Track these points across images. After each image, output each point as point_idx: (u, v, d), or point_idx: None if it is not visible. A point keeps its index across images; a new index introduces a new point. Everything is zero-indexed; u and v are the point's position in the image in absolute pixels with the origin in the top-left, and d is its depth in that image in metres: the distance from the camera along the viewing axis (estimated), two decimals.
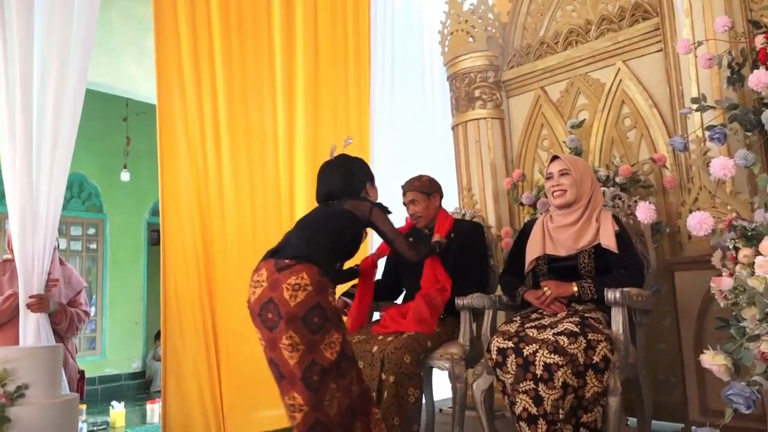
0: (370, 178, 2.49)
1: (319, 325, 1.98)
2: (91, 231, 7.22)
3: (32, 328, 2.63)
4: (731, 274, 1.66)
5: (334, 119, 3.97)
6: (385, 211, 2.36)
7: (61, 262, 3.12)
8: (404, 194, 2.83)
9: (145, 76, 4.69)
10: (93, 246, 7.23)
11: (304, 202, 3.75)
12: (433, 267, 2.64)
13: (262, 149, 3.65)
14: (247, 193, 3.55)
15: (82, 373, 3.12)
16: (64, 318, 2.87)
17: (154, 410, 5.27)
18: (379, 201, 2.45)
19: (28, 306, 2.62)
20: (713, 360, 1.46)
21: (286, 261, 2.02)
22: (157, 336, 7.59)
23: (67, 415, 2.19)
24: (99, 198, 7.25)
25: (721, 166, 1.66)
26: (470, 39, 3.85)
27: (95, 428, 5.07)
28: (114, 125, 6.88)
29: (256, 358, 3.37)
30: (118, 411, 5.09)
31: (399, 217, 2.86)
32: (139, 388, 7.43)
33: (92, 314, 7.05)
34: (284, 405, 2.01)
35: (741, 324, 1.58)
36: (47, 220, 2.68)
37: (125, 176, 6.73)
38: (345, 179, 2.37)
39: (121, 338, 7.29)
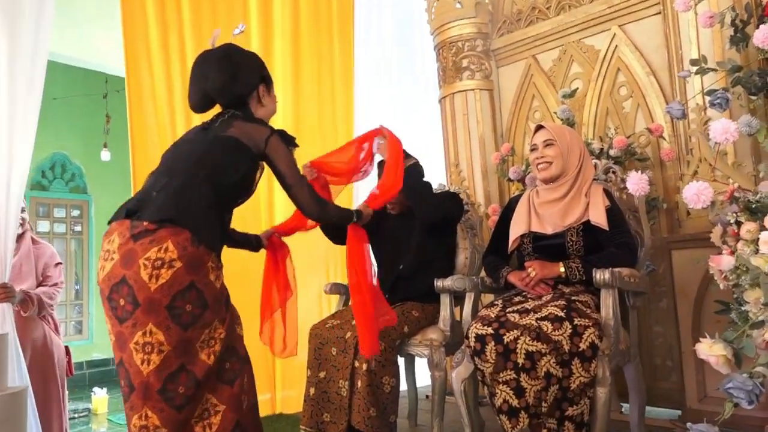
0: (265, 78, 1.85)
1: (194, 316, 1.45)
2: (75, 213, 7.03)
3: None
4: (732, 252, 1.47)
5: (319, 94, 3.76)
6: (289, 141, 1.77)
7: (35, 241, 3.07)
8: None
9: (117, 48, 4.48)
10: (78, 228, 7.04)
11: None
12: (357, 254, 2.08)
13: None
14: None
15: (66, 348, 3.02)
16: (31, 305, 2.80)
17: None
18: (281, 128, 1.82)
19: None
20: (711, 350, 1.28)
21: (145, 223, 1.47)
22: None
23: (13, 408, 2.03)
24: (83, 179, 7.04)
25: (723, 129, 1.47)
26: (458, 5, 3.62)
27: (76, 416, 4.93)
28: (96, 103, 6.65)
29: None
30: (100, 397, 4.96)
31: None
32: None
33: (78, 298, 6.92)
34: (129, 427, 1.48)
35: (743, 308, 1.40)
36: (8, 211, 2.52)
37: (105, 155, 6.51)
38: (226, 76, 1.73)
39: (105, 323, 7.14)
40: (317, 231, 3.44)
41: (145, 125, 3.14)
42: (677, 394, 2.64)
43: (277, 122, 3.56)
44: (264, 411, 3.32)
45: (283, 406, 3.44)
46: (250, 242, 2.16)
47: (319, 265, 3.63)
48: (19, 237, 2.93)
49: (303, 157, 3.64)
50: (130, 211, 1.54)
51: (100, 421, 4.78)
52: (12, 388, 2.13)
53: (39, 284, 2.94)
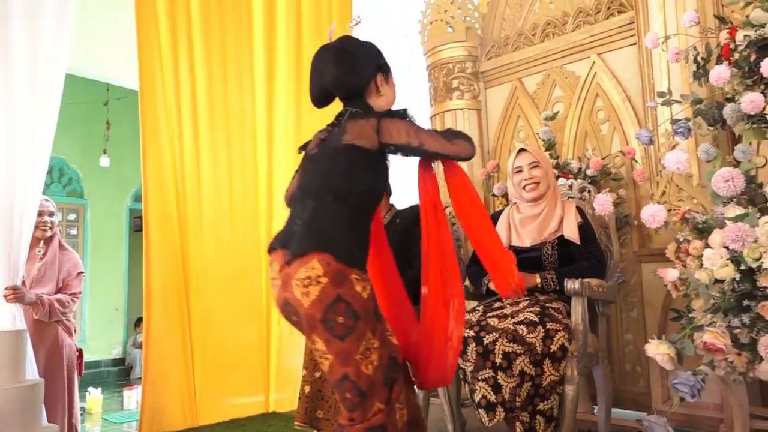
0: (382, 67, 1.78)
1: (347, 327, 1.50)
2: (72, 216, 7.17)
3: (7, 316, 2.62)
4: (684, 266, 1.69)
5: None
6: (401, 115, 1.68)
7: (63, 247, 3.23)
8: None
9: (125, 61, 4.65)
10: (73, 232, 7.17)
11: (283, 186, 3.72)
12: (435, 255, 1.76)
13: (242, 134, 3.64)
14: (225, 179, 3.54)
15: (80, 351, 3.18)
16: (41, 309, 2.97)
17: (131, 397, 5.27)
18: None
19: (4, 297, 2.64)
20: (657, 349, 1.49)
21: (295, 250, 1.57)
22: (138, 323, 7.58)
23: (30, 399, 2.19)
24: (80, 183, 7.19)
25: (676, 160, 1.69)
26: (449, 29, 3.85)
27: None
28: (96, 110, 6.81)
29: (227, 347, 3.41)
30: (94, 397, 5.09)
31: None
32: (119, 374, 7.42)
33: None
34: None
35: (690, 315, 1.61)
36: (23, 215, 2.64)
37: (105, 162, 6.67)
38: (342, 69, 1.71)
39: (102, 325, 7.26)
40: None
41: (157, 135, 3.28)
42: (644, 397, 2.86)
43: (279, 132, 3.78)
44: (258, 410, 3.50)
45: (276, 407, 3.60)
46: None
47: None
48: (48, 240, 3.10)
49: None
50: (282, 243, 1.63)
51: (94, 420, 4.91)
52: (29, 380, 2.29)
53: (58, 290, 3.09)
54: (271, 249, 1.66)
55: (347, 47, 1.75)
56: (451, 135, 1.69)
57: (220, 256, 3.46)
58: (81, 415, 5.13)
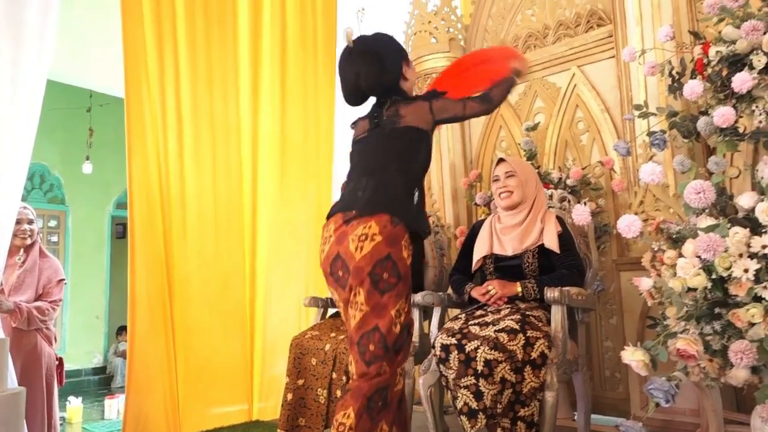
0: (403, 54, 2.00)
1: (389, 284, 1.66)
2: (53, 223, 7.10)
3: None
4: (659, 275, 1.74)
5: (304, 112, 3.98)
6: (440, 95, 1.93)
7: (44, 254, 3.22)
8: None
9: (108, 67, 4.64)
10: (54, 239, 7.11)
11: (268, 194, 3.76)
12: None
13: (227, 142, 3.65)
14: (209, 187, 3.54)
15: (60, 360, 3.16)
16: (19, 317, 2.95)
17: (112, 406, 5.23)
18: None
19: None
20: (632, 356, 1.54)
21: (354, 212, 1.75)
22: (120, 331, 7.51)
23: (11, 409, 2.18)
24: (61, 190, 7.14)
25: (650, 171, 1.74)
26: (433, 40, 3.90)
27: None
28: (77, 116, 6.77)
29: (211, 355, 3.40)
30: (75, 407, 5.04)
31: None
32: (100, 383, 7.34)
33: None
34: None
35: (665, 323, 1.66)
36: (1, 223, 2.63)
37: (87, 168, 6.63)
38: (375, 71, 1.90)
39: (82, 333, 7.19)
40: (299, 247, 3.67)
41: (142, 142, 3.27)
42: (624, 403, 2.91)
43: (265, 141, 3.79)
44: (241, 419, 3.50)
45: (259, 415, 3.60)
46: None
47: (297, 277, 3.82)
48: (28, 247, 3.09)
49: (289, 177, 3.87)
50: (341, 208, 1.81)
51: (74, 430, 4.86)
52: (11, 389, 2.28)
53: (38, 297, 3.07)
54: (330, 215, 1.84)
55: (374, 48, 1.92)
56: (484, 97, 1.97)
57: (205, 265, 3.46)
58: (61, 425, 5.08)
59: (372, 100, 2.03)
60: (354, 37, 1.94)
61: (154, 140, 3.31)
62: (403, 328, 1.69)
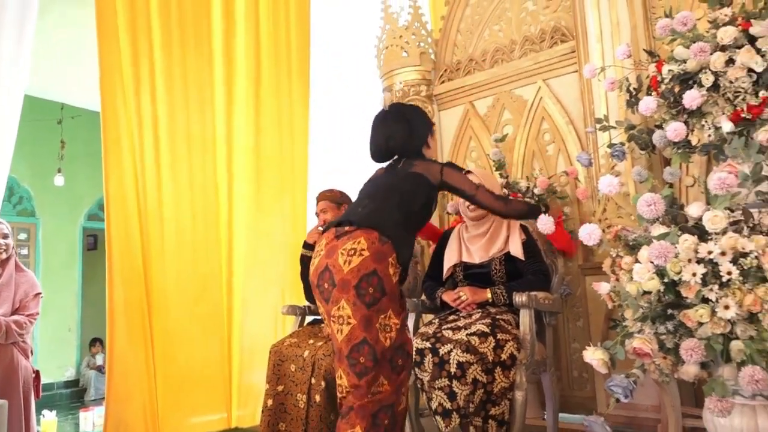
0: (430, 126, 2.27)
1: (374, 298, 1.76)
2: (23, 236, 7.02)
3: None
4: (618, 279, 1.86)
5: (278, 125, 4.07)
6: (459, 168, 2.21)
7: (20, 268, 3.25)
8: (317, 203, 2.96)
9: (79, 80, 4.66)
10: (24, 251, 7.02)
11: (244, 205, 3.84)
12: None
13: (202, 156, 3.71)
14: (186, 199, 3.60)
15: (37, 372, 3.16)
16: None
17: (87, 418, 5.18)
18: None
19: None
20: (593, 355, 1.66)
21: (346, 228, 1.87)
22: (93, 343, 7.43)
23: None
24: (31, 202, 7.05)
25: (608, 183, 1.87)
26: (404, 54, 4.01)
27: None
28: (48, 128, 6.72)
29: (189, 365, 3.45)
30: (49, 420, 4.97)
31: None
32: (72, 396, 7.24)
33: None
34: (336, 386, 1.87)
35: (624, 324, 1.79)
36: None
37: (59, 180, 6.58)
38: (406, 135, 2.14)
39: (54, 346, 7.09)
40: (275, 257, 3.75)
41: (119, 156, 3.31)
42: (591, 401, 3.04)
43: (240, 153, 3.87)
44: (220, 426, 3.54)
45: (238, 423, 3.65)
46: None
47: (273, 286, 3.89)
48: (4, 262, 3.10)
49: (264, 188, 3.95)
50: (338, 222, 1.95)
51: None
52: None
53: (14, 311, 3.08)
54: (325, 230, 1.97)
55: (408, 116, 2.20)
56: (506, 199, 2.29)
57: (182, 275, 3.51)
58: None
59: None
60: (389, 104, 2.23)
61: (130, 153, 3.35)
62: (392, 343, 1.77)
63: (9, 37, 2.82)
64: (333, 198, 2.93)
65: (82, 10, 4.27)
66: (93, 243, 8.06)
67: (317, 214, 2.96)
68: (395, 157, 2.19)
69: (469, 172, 2.25)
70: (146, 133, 3.44)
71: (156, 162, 3.46)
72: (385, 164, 2.25)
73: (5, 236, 3.19)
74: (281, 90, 4.10)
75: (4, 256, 3.17)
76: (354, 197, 2.77)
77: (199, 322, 3.55)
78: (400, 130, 2.13)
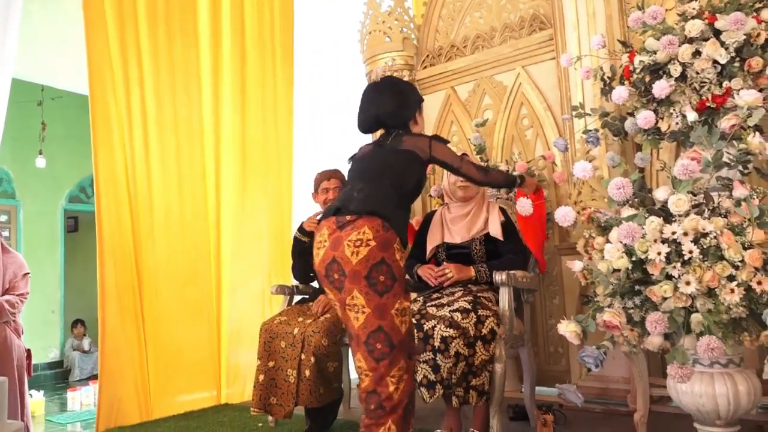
0: (420, 103, 2.29)
1: (386, 286, 1.80)
2: (3, 218, 6.99)
3: None
4: (590, 258, 2.00)
5: (263, 113, 4.13)
6: (444, 140, 2.22)
7: (6, 250, 3.31)
8: (328, 180, 2.99)
9: (66, 66, 4.65)
10: (5, 234, 6.99)
11: (231, 191, 3.91)
12: None
13: (190, 141, 3.77)
14: (174, 184, 3.66)
15: (29, 351, 3.23)
16: None
17: (75, 398, 5.27)
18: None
19: None
20: (567, 328, 1.80)
21: (347, 217, 1.88)
22: (75, 324, 7.47)
23: None
24: (11, 184, 7.02)
25: (582, 168, 2.00)
26: (387, 39, 4.09)
27: None
28: (28, 110, 6.67)
29: (179, 345, 3.55)
30: (37, 400, 5.06)
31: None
32: (56, 377, 7.30)
33: None
34: (355, 366, 1.90)
35: (596, 299, 1.93)
36: None
37: (41, 162, 6.56)
38: (397, 104, 2.15)
39: (38, 327, 7.11)
40: (261, 240, 3.85)
41: (108, 141, 3.35)
42: (566, 375, 3.21)
43: (227, 140, 3.94)
44: (210, 403, 3.66)
45: (227, 400, 3.76)
46: None
47: (260, 268, 3.99)
48: None
49: (250, 173, 4.03)
50: (336, 210, 1.95)
51: (38, 423, 4.89)
52: None
53: (4, 292, 3.14)
54: (324, 217, 1.99)
55: (399, 87, 2.21)
56: (486, 169, 2.33)
57: (172, 258, 3.58)
58: None
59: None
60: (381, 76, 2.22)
61: (120, 138, 3.41)
62: (407, 329, 1.84)
63: None
64: (342, 178, 2.97)
65: None
66: (74, 225, 8.04)
67: (321, 191, 2.99)
68: (383, 132, 2.21)
69: (448, 142, 2.30)
70: (135, 118, 3.48)
71: (145, 147, 3.52)
72: (370, 137, 2.27)
73: None
74: (266, 79, 4.16)
75: None
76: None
77: (188, 303, 3.64)
78: (391, 101, 2.14)
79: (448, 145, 2.25)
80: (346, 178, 2.24)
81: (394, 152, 2.08)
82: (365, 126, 2.22)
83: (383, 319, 1.78)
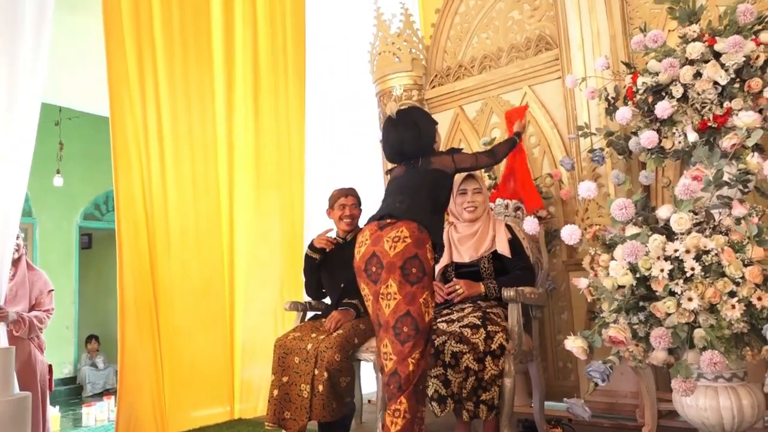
0: (435, 126, 2.55)
1: (417, 277, 2.07)
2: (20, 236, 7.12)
3: None
4: (596, 275, 2.06)
5: (276, 129, 4.24)
6: (459, 150, 2.53)
7: (31, 267, 3.41)
8: (346, 197, 3.07)
9: (83, 88, 4.79)
10: None
11: (244, 206, 4.01)
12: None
13: (205, 159, 3.88)
14: (190, 201, 3.76)
15: (50, 367, 3.32)
16: (22, 326, 3.13)
17: (90, 413, 5.34)
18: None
19: None
20: (573, 343, 1.85)
21: (388, 221, 2.18)
22: (89, 339, 7.56)
23: (19, 411, 2.37)
24: (28, 202, 7.15)
25: (586, 188, 2.07)
26: (396, 60, 4.19)
27: None
28: (45, 129, 6.81)
29: (194, 359, 3.62)
30: (54, 415, 5.12)
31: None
32: (70, 393, 7.38)
33: None
34: (378, 352, 2.14)
35: (601, 315, 1.98)
36: (5, 238, 2.82)
37: (58, 181, 6.70)
38: (416, 136, 2.41)
39: (52, 343, 7.19)
40: (273, 255, 3.92)
41: (127, 160, 3.46)
42: (575, 390, 3.25)
43: (240, 156, 4.04)
44: (224, 418, 3.72)
45: (240, 415, 3.82)
46: None
47: (272, 284, 4.06)
48: (16, 261, 3.24)
49: (263, 191, 4.11)
50: (379, 217, 2.25)
51: None
52: (18, 393, 2.46)
53: (31, 308, 3.24)
54: (368, 222, 2.28)
55: (415, 119, 2.45)
56: (491, 152, 2.62)
57: (187, 273, 3.67)
58: None
59: None
60: (396, 110, 2.47)
61: (137, 158, 3.51)
62: (431, 319, 2.09)
63: (26, 47, 2.93)
64: (358, 197, 3.12)
65: (78, 17, 4.42)
66: (87, 242, 8.18)
67: (339, 207, 3.06)
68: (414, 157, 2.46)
69: (461, 149, 2.59)
70: (151, 138, 3.59)
71: (161, 166, 3.62)
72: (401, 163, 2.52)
73: (16, 237, 3.34)
74: (279, 95, 4.27)
75: (15, 256, 3.31)
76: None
77: (202, 319, 3.71)
78: (411, 135, 2.39)
79: (462, 150, 2.57)
80: (385, 193, 2.46)
81: (426, 172, 2.36)
82: (393, 158, 2.49)
83: (412, 305, 2.03)
